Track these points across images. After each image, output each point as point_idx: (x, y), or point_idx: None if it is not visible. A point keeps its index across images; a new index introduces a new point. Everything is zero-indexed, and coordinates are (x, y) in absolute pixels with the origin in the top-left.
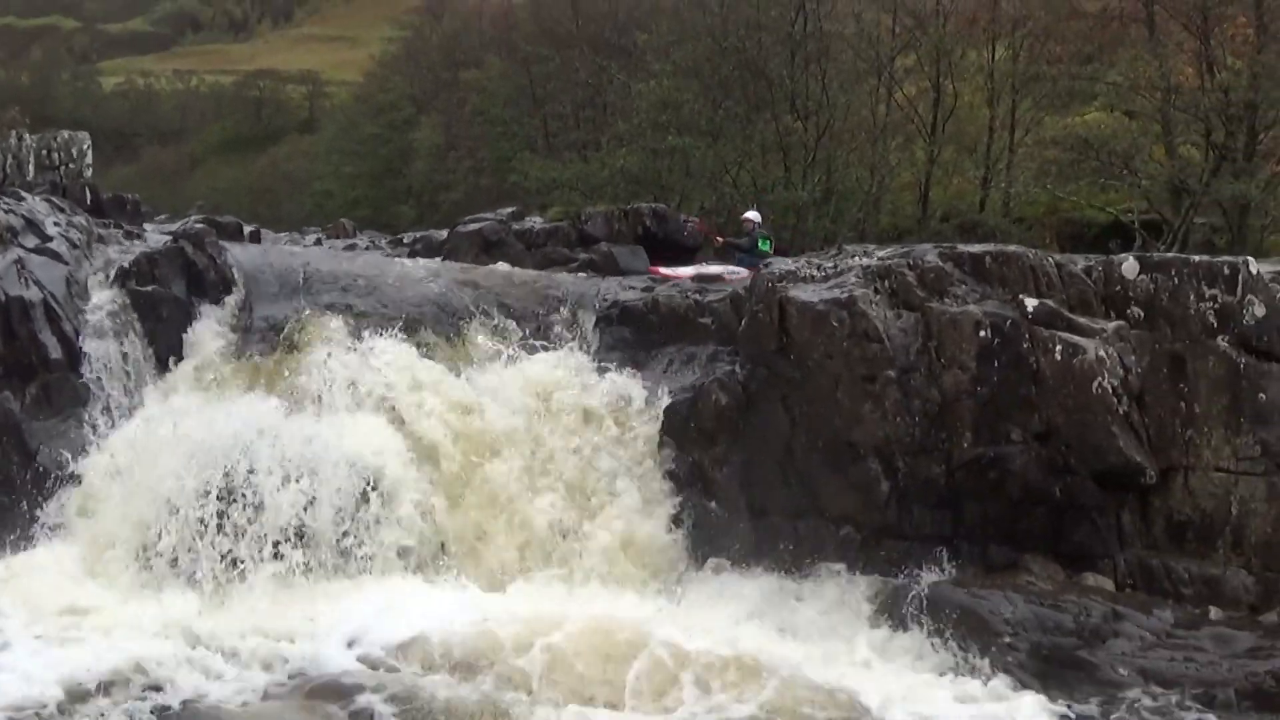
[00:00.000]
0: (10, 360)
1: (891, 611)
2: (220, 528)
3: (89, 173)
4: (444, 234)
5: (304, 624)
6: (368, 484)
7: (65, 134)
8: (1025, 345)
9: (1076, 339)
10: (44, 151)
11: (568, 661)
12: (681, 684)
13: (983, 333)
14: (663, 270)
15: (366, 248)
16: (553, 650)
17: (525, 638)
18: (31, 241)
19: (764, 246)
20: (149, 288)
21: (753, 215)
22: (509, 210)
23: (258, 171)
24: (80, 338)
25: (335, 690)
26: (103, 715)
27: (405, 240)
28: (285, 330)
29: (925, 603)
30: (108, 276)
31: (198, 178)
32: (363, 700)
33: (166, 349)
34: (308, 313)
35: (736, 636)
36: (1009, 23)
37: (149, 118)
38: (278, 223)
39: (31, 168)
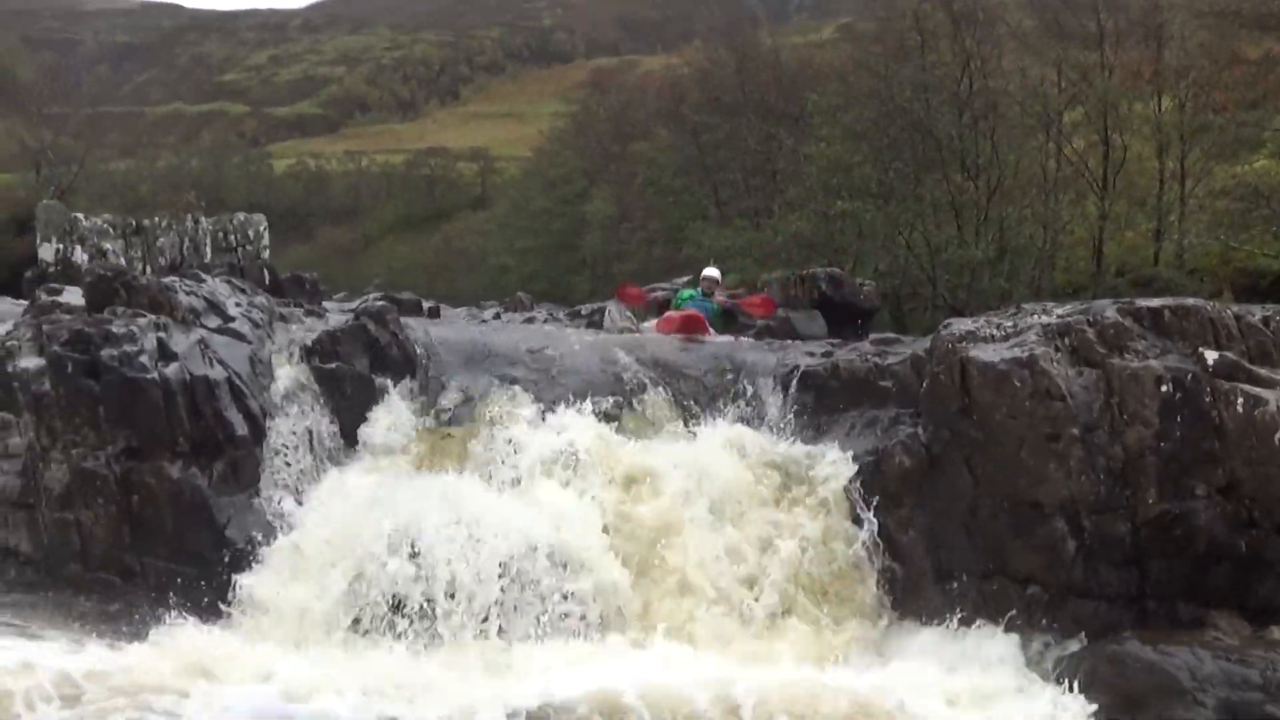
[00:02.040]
0: (197, 438)
1: (1079, 669)
2: (411, 598)
3: (266, 253)
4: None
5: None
6: (552, 554)
7: (241, 216)
8: (1207, 399)
9: (1258, 391)
10: (220, 234)
11: None
12: None
13: (1164, 388)
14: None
15: (545, 320)
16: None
17: (728, 698)
18: (214, 322)
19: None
20: (332, 365)
21: (712, 273)
22: (684, 279)
23: (432, 248)
24: (265, 415)
25: None
26: None
27: (583, 311)
28: (468, 404)
29: (1113, 660)
30: (291, 354)
31: (373, 255)
32: None
33: (351, 424)
34: (490, 386)
35: (935, 693)
36: (1173, 73)
37: (321, 198)
38: (455, 298)
39: (209, 250)
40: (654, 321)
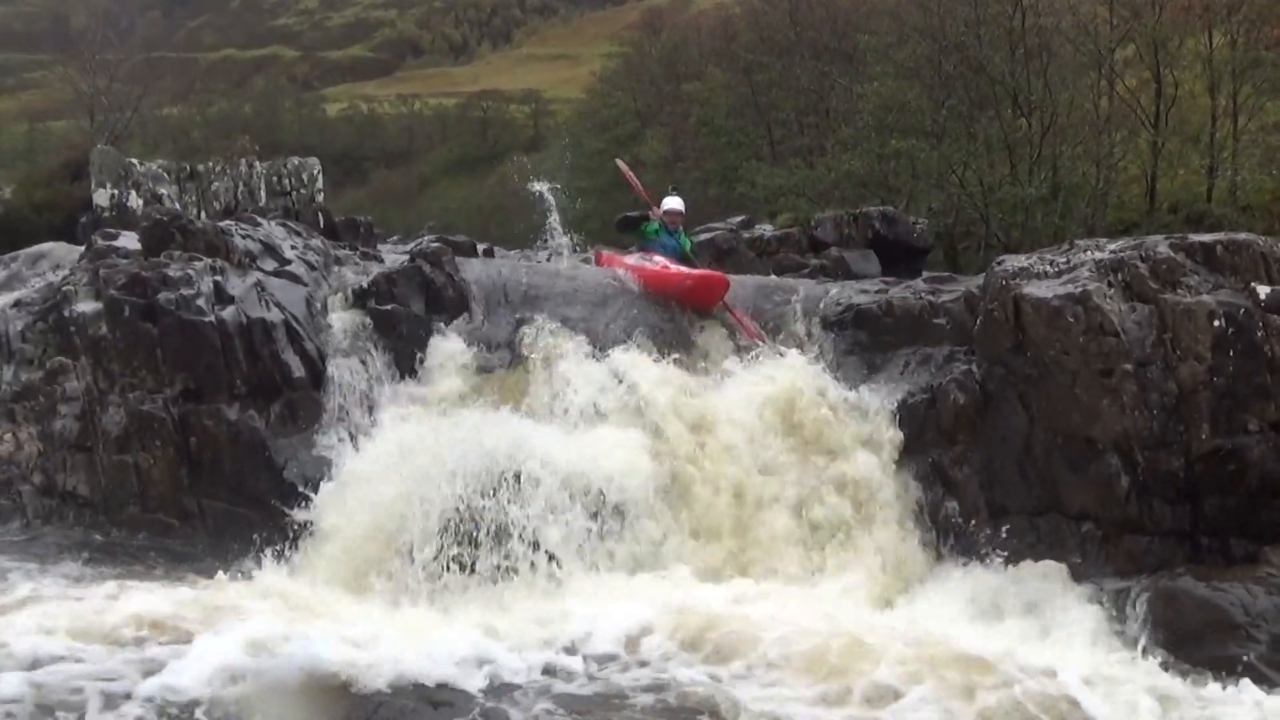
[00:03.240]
0: (254, 380)
1: (1134, 605)
2: (473, 537)
3: (320, 197)
4: None
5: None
6: (606, 493)
7: (295, 160)
8: (1259, 334)
9: None
10: (275, 178)
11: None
12: (921, 679)
13: (1217, 322)
14: (604, 255)
15: None
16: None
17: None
18: (270, 265)
19: (685, 242)
20: (388, 306)
21: (674, 204)
22: (739, 219)
23: (486, 190)
24: (322, 357)
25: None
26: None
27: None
28: (524, 344)
29: (1166, 596)
30: (347, 296)
31: (427, 198)
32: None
33: (407, 365)
34: (546, 326)
35: (978, 634)
36: (1224, 9)
37: (375, 141)
38: (508, 240)
39: (263, 194)
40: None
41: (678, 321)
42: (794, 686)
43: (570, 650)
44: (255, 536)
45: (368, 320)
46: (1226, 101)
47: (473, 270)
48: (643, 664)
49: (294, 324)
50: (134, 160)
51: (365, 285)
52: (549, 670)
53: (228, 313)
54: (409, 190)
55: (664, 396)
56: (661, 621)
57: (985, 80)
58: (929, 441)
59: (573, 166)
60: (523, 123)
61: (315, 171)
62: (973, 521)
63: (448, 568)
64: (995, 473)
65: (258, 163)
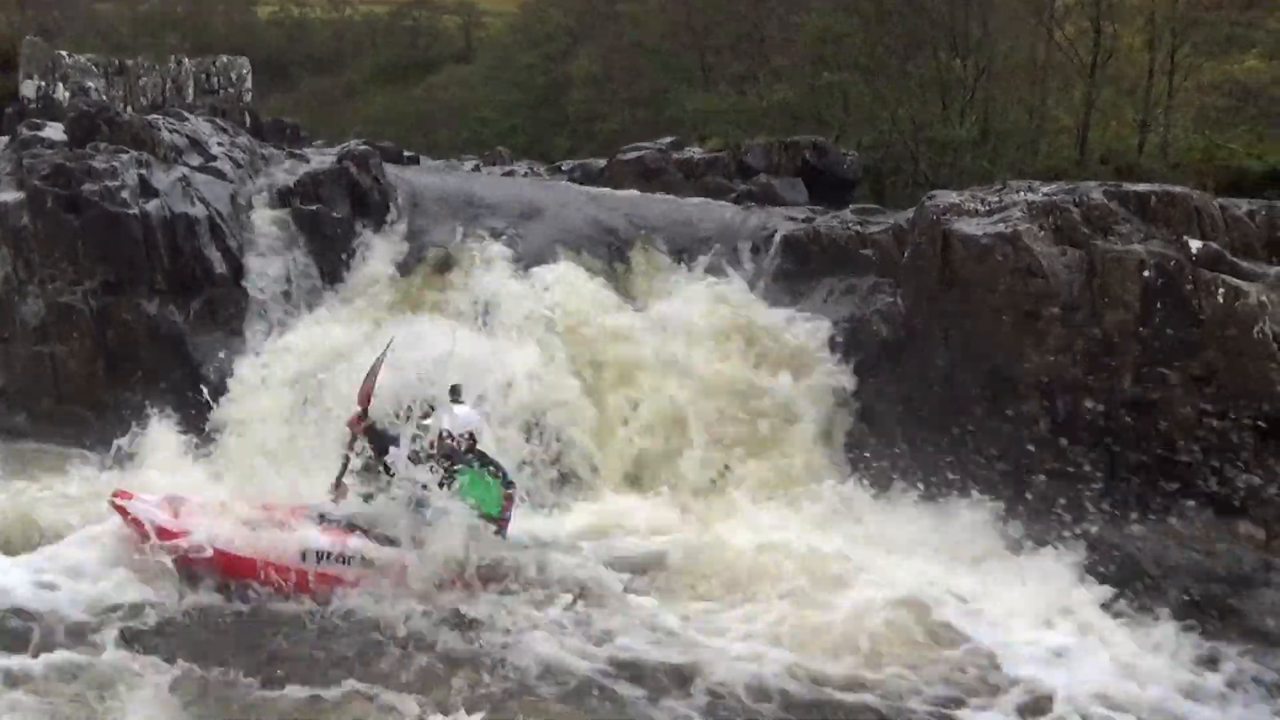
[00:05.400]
0: (175, 275)
1: (1041, 545)
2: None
3: (248, 98)
4: (602, 162)
5: None
6: (521, 401)
7: (224, 58)
8: (1189, 287)
9: (1239, 283)
10: (203, 76)
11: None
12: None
13: (1147, 272)
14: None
15: (524, 175)
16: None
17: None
18: (196, 160)
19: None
20: (313, 207)
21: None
22: (668, 140)
23: (414, 100)
24: (244, 255)
25: None
26: None
27: (563, 168)
28: (448, 253)
29: (1077, 540)
30: (272, 196)
31: (354, 106)
32: None
33: (330, 268)
34: (470, 235)
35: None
36: None
37: (304, 46)
38: (434, 150)
39: (191, 91)
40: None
41: (611, 234)
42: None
43: None
44: (168, 432)
45: (292, 220)
46: (1165, 58)
47: (399, 177)
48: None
49: (218, 220)
50: (63, 53)
51: (291, 185)
52: None
53: (151, 206)
54: (336, 97)
55: (589, 307)
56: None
57: (924, 19)
58: (850, 370)
59: (501, 81)
60: (454, 34)
61: (244, 71)
62: (888, 453)
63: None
64: (915, 406)
65: (186, 60)
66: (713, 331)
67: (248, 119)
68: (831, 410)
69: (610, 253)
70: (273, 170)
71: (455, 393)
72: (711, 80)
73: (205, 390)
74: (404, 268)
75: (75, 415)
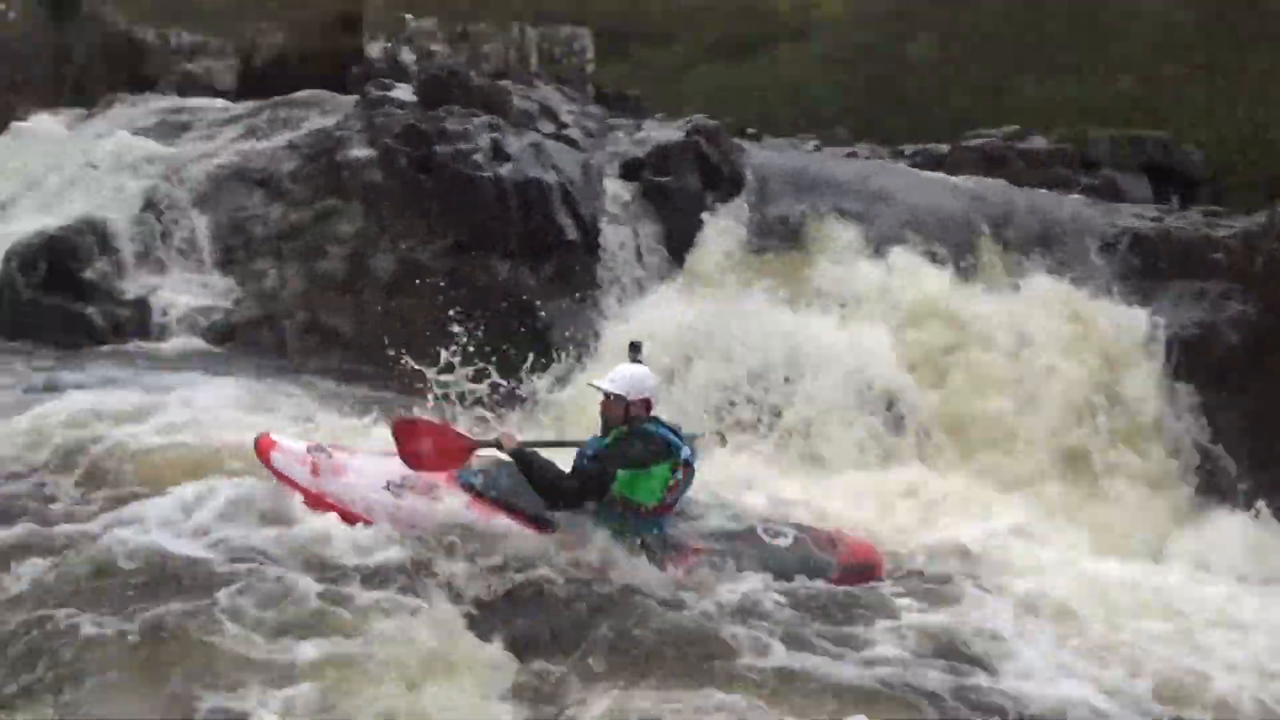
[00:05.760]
0: (527, 239)
1: None
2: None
3: (590, 69)
4: (945, 148)
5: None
6: (864, 389)
7: (567, 28)
8: None
9: None
10: (546, 45)
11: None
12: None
13: None
14: None
15: (866, 157)
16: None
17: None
18: (547, 127)
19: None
20: (663, 179)
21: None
22: (1011, 129)
23: (748, 77)
24: (595, 223)
25: None
26: None
27: (905, 151)
28: (797, 231)
29: None
30: (621, 166)
31: (689, 80)
32: None
33: (678, 241)
34: (819, 215)
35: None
36: None
37: (639, 19)
38: (770, 128)
39: (535, 60)
40: None
41: (959, 222)
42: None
43: None
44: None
45: (642, 191)
46: None
47: (746, 153)
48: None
49: (569, 187)
50: (408, 15)
51: (641, 156)
52: None
53: (505, 170)
54: (670, 71)
55: (931, 300)
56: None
57: (1265, 14)
58: (1197, 379)
59: (837, 61)
60: (790, 13)
61: (586, 42)
62: (1236, 468)
63: None
64: (1264, 421)
65: (529, 28)
66: (1059, 328)
67: (590, 90)
68: (1178, 418)
69: (958, 241)
70: (620, 141)
71: (635, 349)
72: (1052, 69)
73: (557, 353)
74: (751, 245)
75: (419, 370)
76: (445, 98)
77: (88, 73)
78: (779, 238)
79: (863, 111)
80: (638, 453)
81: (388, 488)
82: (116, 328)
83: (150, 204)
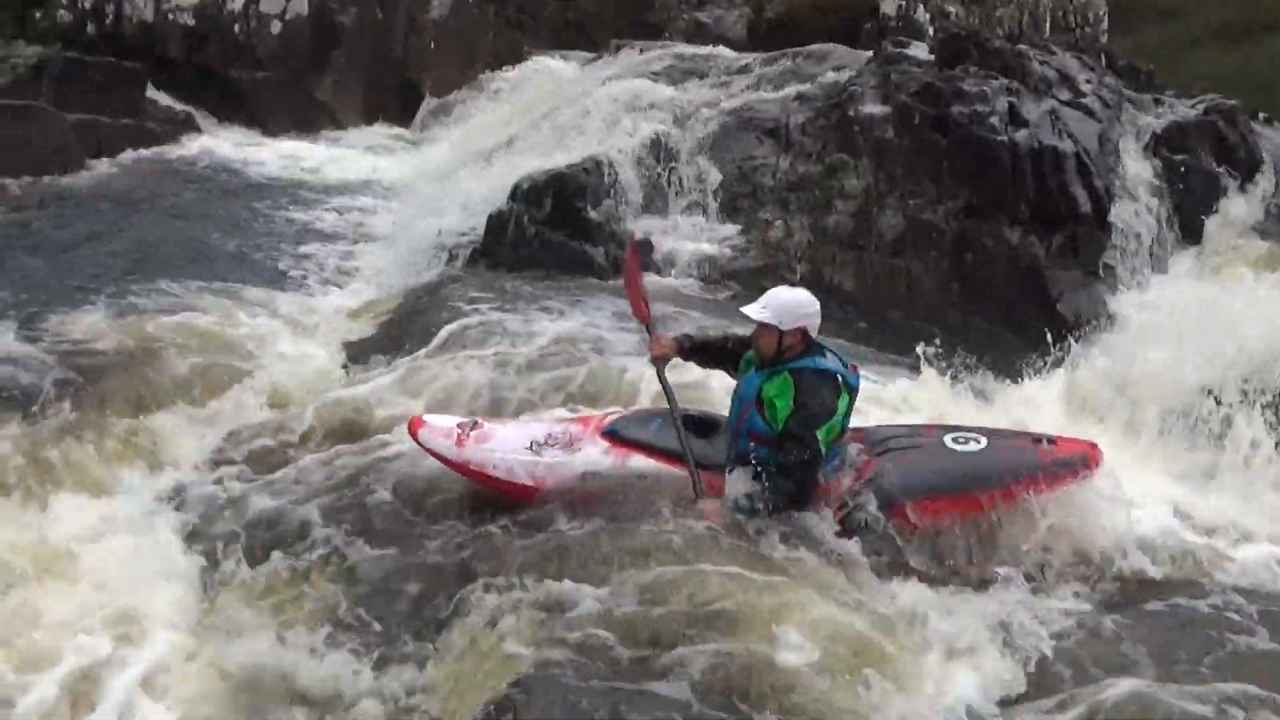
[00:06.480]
0: (1039, 207)
1: None
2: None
3: (1104, 39)
4: None
5: None
6: None
7: None
8: None
9: None
10: (1059, 12)
11: None
12: None
13: None
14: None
15: None
16: None
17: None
18: (1065, 95)
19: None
20: (1180, 157)
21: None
22: None
23: (1251, 62)
24: (1109, 196)
25: None
26: None
27: None
28: None
29: None
30: (1139, 140)
31: (1190, 61)
32: None
33: (1189, 222)
34: None
35: None
36: None
37: None
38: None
39: (1048, 26)
40: None
41: None
42: None
43: None
44: (1015, 360)
45: (1158, 166)
46: None
47: (1264, 137)
48: None
49: (1084, 158)
50: None
51: (1159, 132)
52: None
53: (1020, 135)
54: (1176, 47)
55: None
56: None
57: None
58: None
59: None
60: None
61: (1101, 12)
62: None
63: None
64: None
65: None
66: None
67: (1104, 60)
68: None
69: None
70: (1136, 115)
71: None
72: None
73: (1058, 330)
74: (1267, 232)
75: (921, 330)
76: (962, 58)
77: (595, 18)
78: None
79: None
80: (822, 404)
81: (530, 447)
82: (618, 268)
83: (657, 147)
